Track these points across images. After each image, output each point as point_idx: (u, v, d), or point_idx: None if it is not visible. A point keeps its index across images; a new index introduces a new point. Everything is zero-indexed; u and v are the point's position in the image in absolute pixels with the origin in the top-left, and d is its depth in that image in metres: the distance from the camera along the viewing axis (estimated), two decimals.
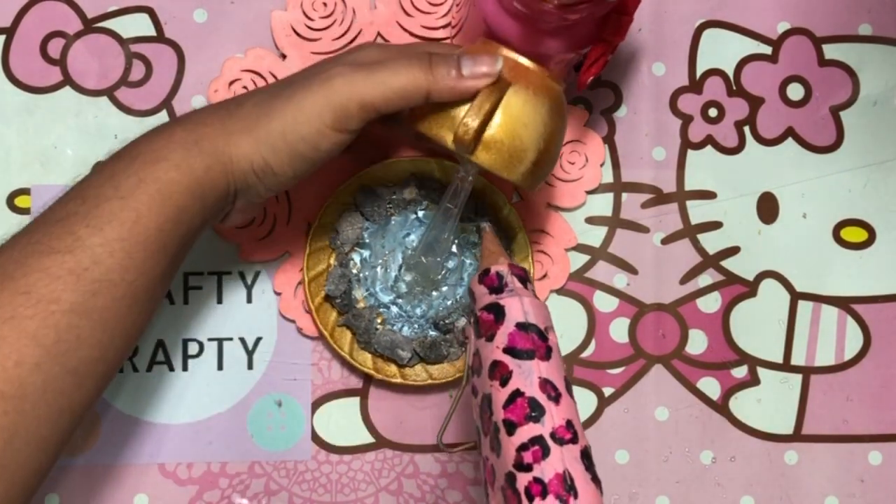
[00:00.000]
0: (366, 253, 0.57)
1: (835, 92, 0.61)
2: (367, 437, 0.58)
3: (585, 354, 0.59)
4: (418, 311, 0.56)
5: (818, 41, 0.61)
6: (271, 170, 0.46)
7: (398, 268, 0.56)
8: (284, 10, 0.59)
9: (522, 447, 0.40)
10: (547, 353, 0.44)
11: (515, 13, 0.49)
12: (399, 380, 0.56)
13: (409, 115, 0.48)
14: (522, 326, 0.43)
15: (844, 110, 0.61)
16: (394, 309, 0.57)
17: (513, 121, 0.46)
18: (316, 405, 0.58)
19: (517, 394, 0.41)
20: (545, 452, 0.40)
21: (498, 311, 0.44)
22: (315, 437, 0.58)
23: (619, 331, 0.59)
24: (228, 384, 0.57)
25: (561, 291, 0.59)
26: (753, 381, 0.59)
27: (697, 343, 0.59)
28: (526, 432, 0.41)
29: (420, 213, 0.57)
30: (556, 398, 0.42)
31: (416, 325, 0.57)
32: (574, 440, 0.41)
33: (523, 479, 0.40)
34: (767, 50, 0.61)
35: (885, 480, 0.59)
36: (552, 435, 0.41)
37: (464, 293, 0.55)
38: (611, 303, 0.59)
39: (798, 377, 0.60)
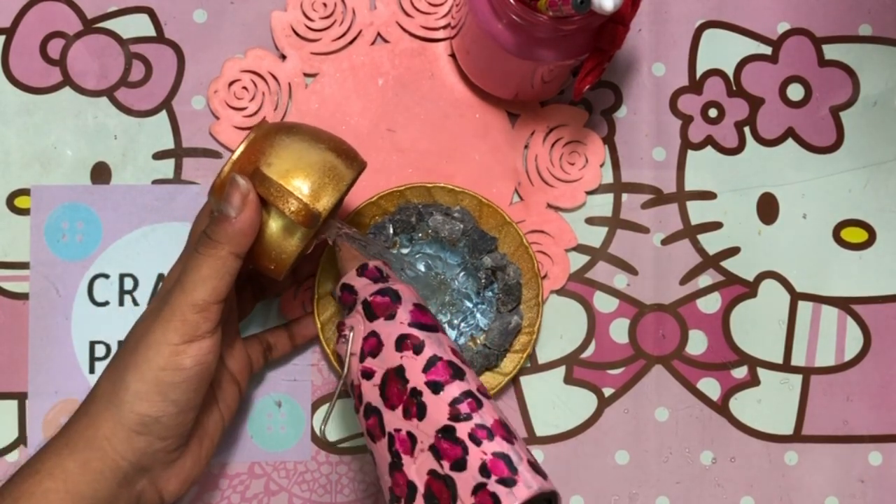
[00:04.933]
0: None
1: (835, 92, 0.61)
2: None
3: (585, 355, 0.59)
4: None
5: (818, 41, 0.61)
6: (151, 418, 0.45)
7: None
8: (284, 11, 0.59)
9: (456, 401, 0.41)
10: (444, 331, 0.46)
11: (510, 22, 0.49)
12: None
13: (266, 272, 0.47)
14: (420, 307, 0.45)
15: (844, 110, 0.61)
16: None
17: (295, 168, 0.46)
18: (316, 405, 0.58)
19: (435, 358, 0.43)
20: (479, 404, 0.42)
21: (393, 294, 0.46)
22: (315, 438, 0.58)
23: (619, 331, 0.59)
24: None
25: (561, 292, 0.59)
26: (753, 381, 0.59)
27: (697, 343, 0.59)
28: (455, 388, 0.42)
29: (404, 249, 0.57)
30: (466, 365, 0.44)
31: None
32: (491, 399, 0.43)
33: (465, 427, 0.41)
34: (767, 50, 0.61)
35: (885, 481, 0.59)
36: (478, 390, 0.42)
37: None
38: (611, 303, 0.59)
39: (798, 377, 0.60)
